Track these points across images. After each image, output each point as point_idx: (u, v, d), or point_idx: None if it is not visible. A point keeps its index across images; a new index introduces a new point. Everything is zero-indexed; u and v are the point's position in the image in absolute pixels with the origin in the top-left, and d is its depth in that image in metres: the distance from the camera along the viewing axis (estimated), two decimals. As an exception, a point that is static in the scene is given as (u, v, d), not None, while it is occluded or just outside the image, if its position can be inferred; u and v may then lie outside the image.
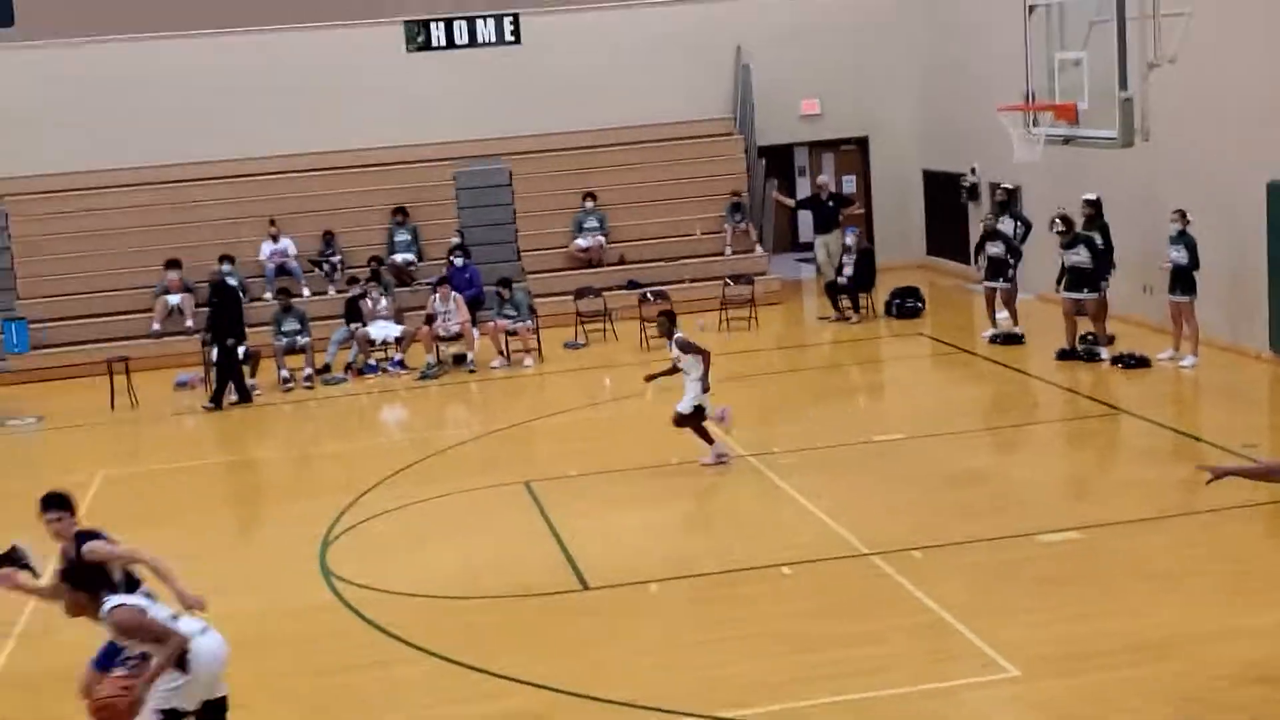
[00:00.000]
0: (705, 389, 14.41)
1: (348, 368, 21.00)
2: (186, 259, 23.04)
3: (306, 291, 23.55)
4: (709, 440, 14.56)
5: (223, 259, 22.89)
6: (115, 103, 24.61)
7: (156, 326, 22.75)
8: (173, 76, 24.76)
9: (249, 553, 13.83)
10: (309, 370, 20.57)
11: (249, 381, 20.01)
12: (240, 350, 19.94)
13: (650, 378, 15.33)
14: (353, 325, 21.21)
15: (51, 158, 24.46)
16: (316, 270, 24.03)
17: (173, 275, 22.94)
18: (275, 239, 24.01)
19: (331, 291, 23.57)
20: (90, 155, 24.56)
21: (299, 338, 20.79)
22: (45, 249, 24.08)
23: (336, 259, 24.07)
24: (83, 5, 24.54)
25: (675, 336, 14.55)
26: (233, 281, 22.16)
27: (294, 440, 18.81)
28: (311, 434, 18.89)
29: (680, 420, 14.52)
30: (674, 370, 14.75)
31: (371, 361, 21.05)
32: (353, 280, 22.39)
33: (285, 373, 20.48)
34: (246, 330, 20.51)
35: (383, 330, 21.21)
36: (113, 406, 19.86)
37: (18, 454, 18.52)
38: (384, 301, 21.54)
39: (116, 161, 24.66)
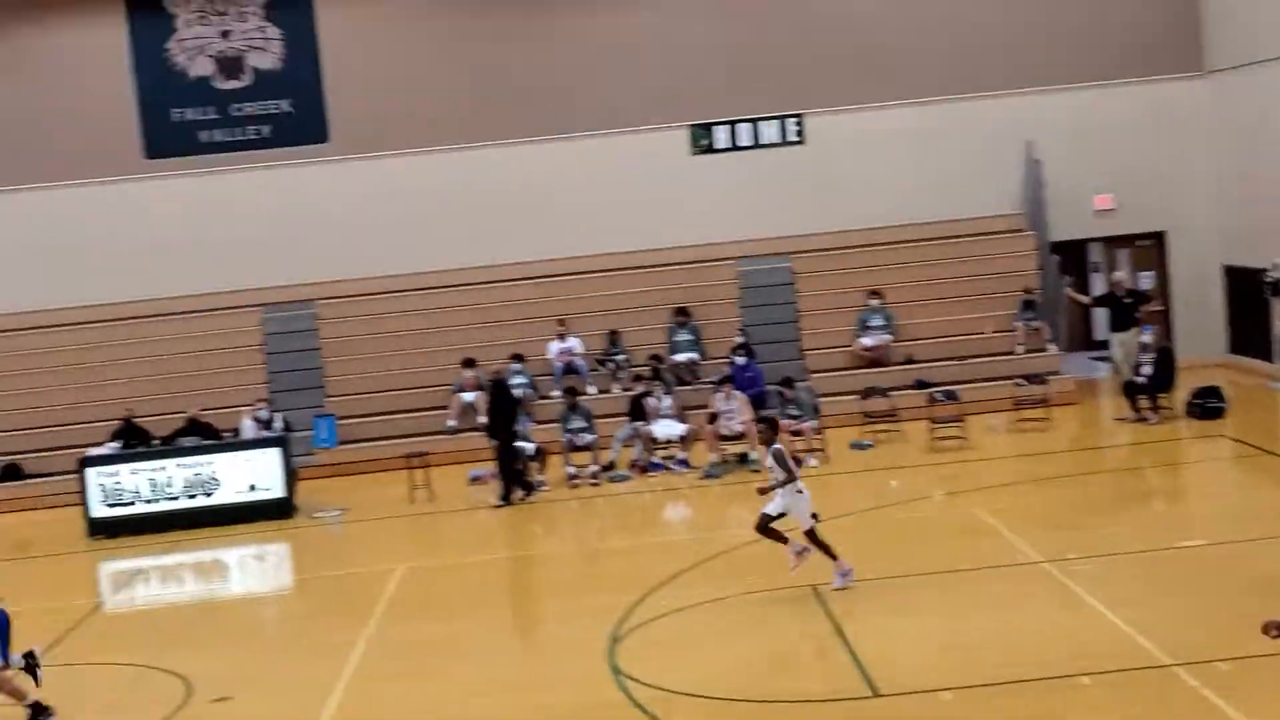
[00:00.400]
0: (765, 492, 14.00)
1: (632, 465, 21.30)
2: (481, 358, 23.87)
3: (592, 389, 24.07)
4: (783, 539, 14.07)
5: (513, 358, 23.70)
6: (416, 211, 25.91)
7: (452, 423, 23.57)
8: (468, 185, 25.91)
9: (539, 648, 14.09)
10: (594, 467, 20.97)
11: (538, 477, 20.54)
12: (530, 447, 20.52)
13: (762, 491, 14.70)
14: (637, 423, 21.55)
15: (358, 263, 25.84)
16: (602, 368, 24.57)
17: (468, 374, 23.79)
18: (563, 338, 24.69)
19: (616, 390, 24.03)
20: (393, 260, 25.84)
21: (585, 435, 21.24)
22: (352, 349, 25.36)
23: (621, 357, 24.56)
24: (388, 122, 25.96)
25: (773, 447, 14.18)
26: (520, 380, 22.97)
27: (581, 536, 19.16)
28: (597, 530, 19.20)
29: (810, 536, 14.09)
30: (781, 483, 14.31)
31: (655, 459, 21.32)
32: (638, 378, 22.81)
33: (571, 469, 20.95)
34: (531, 428, 21.20)
35: (666, 429, 21.48)
36: (412, 500, 20.65)
37: (325, 545, 19.43)
38: (667, 400, 21.84)
39: (418, 265, 25.83)
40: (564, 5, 26.17)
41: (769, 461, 14.15)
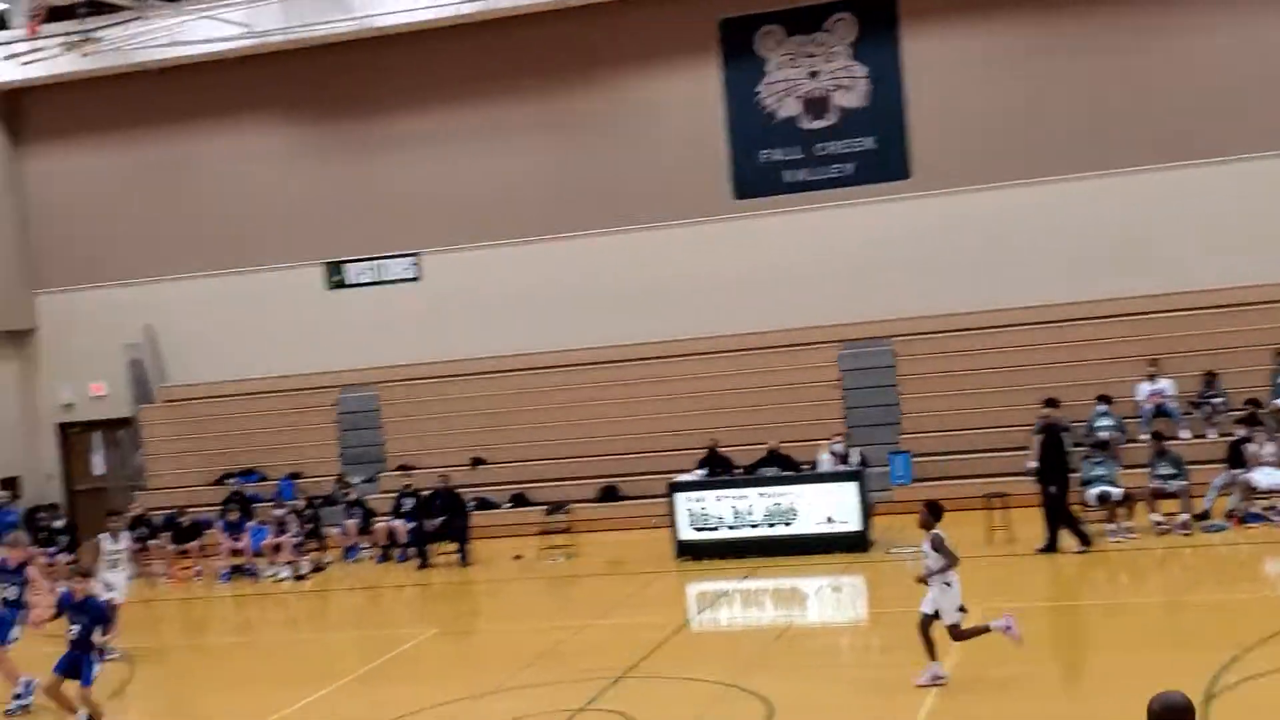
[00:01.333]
0: (924, 580, 13.03)
1: (1228, 515, 20.00)
2: (1065, 398, 23.08)
3: (1185, 434, 22.75)
4: (932, 655, 12.93)
5: (1099, 399, 22.81)
6: (996, 245, 25.49)
7: (1032, 464, 22.87)
8: (1051, 219, 25.31)
9: (1121, 701, 13.39)
10: (1184, 515, 19.81)
11: (1124, 524, 19.71)
12: (1117, 492, 19.70)
13: (921, 580, 13.55)
14: (1235, 471, 20.21)
15: (936, 299, 25.74)
16: (1196, 412, 23.18)
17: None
18: (1154, 379, 23.51)
19: (1212, 435, 22.59)
20: (972, 296, 25.55)
21: (1174, 482, 20.10)
22: (928, 385, 25.29)
23: (1218, 400, 23.08)
24: (970, 155, 25.73)
25: (932, 532, 13.07)
26: (1106, 422, 22.14)
27: (1169, 587, 18.13)
28: (1186, 582, 18.14)
29: (957, 633, 13.09)
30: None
31: (1255, 510, 19.89)
32: (1238, 422, 21.34)
33: (1157, 517, 19.91)
34: (1118, 472, 20.31)
35: (1269, 477, 20.01)
36: (990, 541, 20.27)
37: (899, 581, 19.22)
38: (1270, 447, 20.32)
39: (997, 302, 25.41)
40: (1167, 31, 24.98)
41: (926, 547, 13.33)
